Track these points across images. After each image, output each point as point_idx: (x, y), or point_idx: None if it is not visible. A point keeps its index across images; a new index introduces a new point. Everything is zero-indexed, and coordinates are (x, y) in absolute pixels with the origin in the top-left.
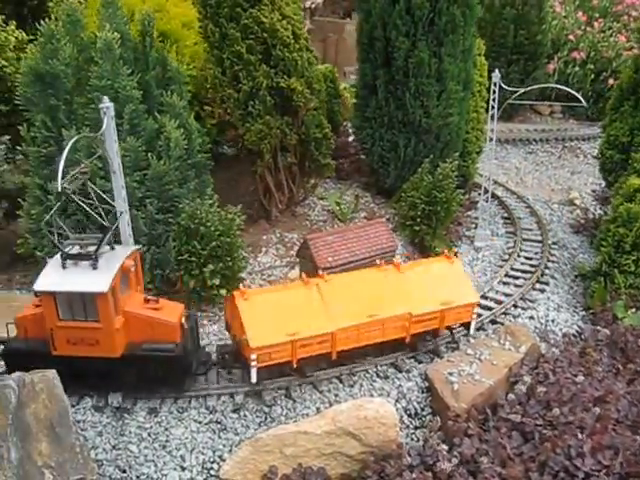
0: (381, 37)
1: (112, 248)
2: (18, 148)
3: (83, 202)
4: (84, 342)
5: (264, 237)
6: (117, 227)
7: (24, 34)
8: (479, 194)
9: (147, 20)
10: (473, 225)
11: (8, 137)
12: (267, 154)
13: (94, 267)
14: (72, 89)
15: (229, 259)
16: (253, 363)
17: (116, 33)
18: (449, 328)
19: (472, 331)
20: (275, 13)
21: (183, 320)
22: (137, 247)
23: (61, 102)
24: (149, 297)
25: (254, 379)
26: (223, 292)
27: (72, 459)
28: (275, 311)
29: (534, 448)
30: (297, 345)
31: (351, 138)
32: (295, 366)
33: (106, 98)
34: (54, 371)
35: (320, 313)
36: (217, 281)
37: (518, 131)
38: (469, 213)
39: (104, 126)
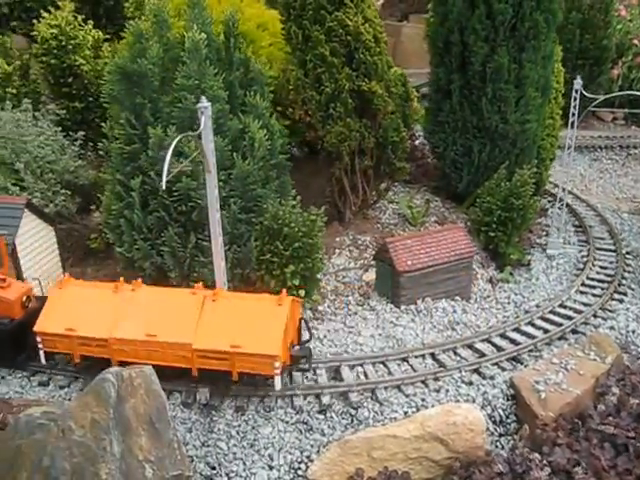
0: (458, 41)
1: None
2: (99, 144)
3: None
4: None
5: (337, 239)
6: None
7: (100, 33)
8: (549, 201)
9: (231, 21)
10: (544, 232)
11: (83, 133)
12: (346, 156)
13: None
14: (158, 88)
15: (309, 260)
16: (40, 346)
17: (203, 34)
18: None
19: (277, 387)
20: (358, 16)
21: (25, 299)
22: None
23: (147, 100)
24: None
25: (42, 361)
26: (302, 293)
27: (171, 455)
28: (75, 305)
29: (629, 461)
30: (76, 341)
31: (418, 141)
32: (77, 361)
33: (204, 98)
34: (150, 367)
35: (108, 318)
36: (297, 282)
37: (582, 138)
38: (539, 220)
39: (202, 126)
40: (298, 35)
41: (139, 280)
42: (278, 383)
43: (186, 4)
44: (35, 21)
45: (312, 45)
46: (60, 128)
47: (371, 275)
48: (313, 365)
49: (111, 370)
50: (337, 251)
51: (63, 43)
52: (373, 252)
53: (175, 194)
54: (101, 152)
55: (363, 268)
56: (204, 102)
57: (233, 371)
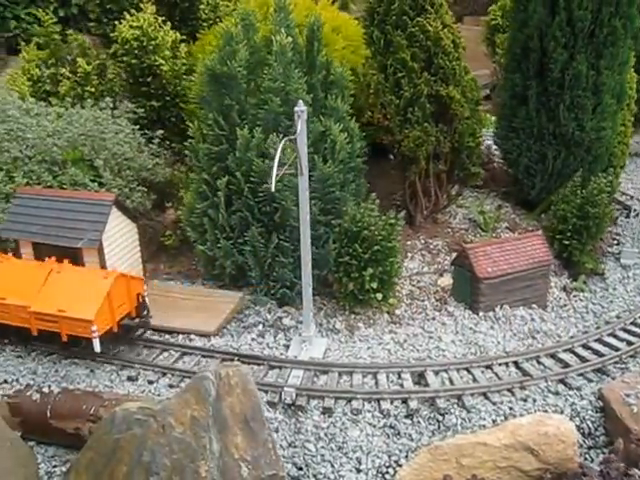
0: (537, 48)
1: None
2: (172, 142)
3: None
4: None
5: (408, 243)
6: None
7: (178, 34)
8: (617, 209)
9: (315, 25)
10: (614, 241)
11: (161, 132)
12: (423, 160)
13: None
14: (246, 90)
15: (387, 263)
16: None
17: (289, 37)
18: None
19: (97, 349)
20: (438, 21)
21: None
22: None
23: (234, 102)
24: None
25: None
26: (379, 296)
27: (265, 454)
28: None
29: None
30: None
31: (482, 146)
32: None
33: (301, 102)
34: (246, 367)
35: None
36: (375, 285)
37: None
38: (609, 229)
39: (298, 129)
40: (380, 40)
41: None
42: (97, 346)
43: (261, 7)
44: (117, 22)
45: (393, 50)
46: (138, 126)
47: (446, 280)
48: (397, 369)
49: (210, 368)
50: (409, 255)
51: (144, 44)
52: (446, 257)
53: (260, 195)
54: (176, 150)
55: (437, 273)
56: (301, 106)
57: (62, 332)
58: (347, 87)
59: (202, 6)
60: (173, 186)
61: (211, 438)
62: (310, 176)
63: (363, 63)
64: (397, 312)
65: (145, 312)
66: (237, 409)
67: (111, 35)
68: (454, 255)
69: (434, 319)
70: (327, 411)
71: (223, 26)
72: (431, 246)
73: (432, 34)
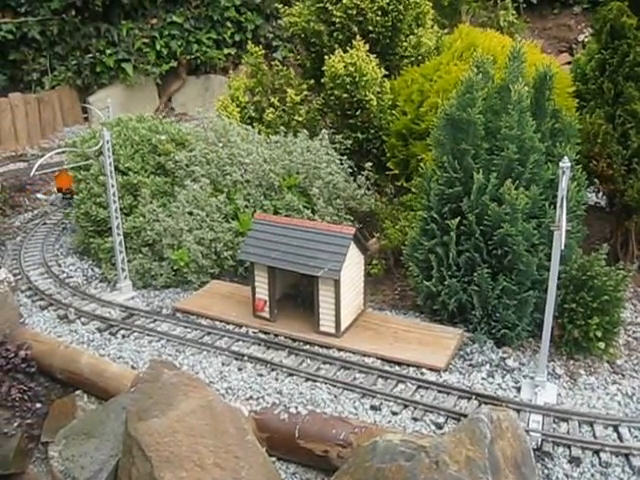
0: None
1: None
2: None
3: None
4: None
5: None
6: None
7: (382, 70)
8: None
9: (548, 75)
10: None
11: (370, 164)
12: None
13: None
14: (483, 136)
15: (614, 313)
16: None
17: (526, 87)
18: None
19: None
20: None
21: None
22: None
23: (470, 147)
24: None
25: None
26: (601, 345)
27: None
28: None
29: None
30: None
31: None
32: None
33: (566, 158)
34: (513, 412)
35: None
36: (599, 333)
37: None
38: None
39: (563, 185)
40: (610, 90)
41: None
42: None
43: (467, 48)
44: (327, 57)
45: (623, 101)
46: (345, 157)
47: None
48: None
49: (483, 411)
50: None
51: (356, 79)
52: None
53: (494, 238)
54: (374, 181)
55: None
56: (566, 162)
57: None
58: (574, 135)
59: (404, 43)
60: (374, 216)
61: (488, 479)
62: (540, 222)
63: (581, 109)
64: (618, 362)
65: None
66: (508, 453)
67: (308, 66)
68: None
69: None
70: (575, 460)
71: (466, 75)
72: None
73: None
